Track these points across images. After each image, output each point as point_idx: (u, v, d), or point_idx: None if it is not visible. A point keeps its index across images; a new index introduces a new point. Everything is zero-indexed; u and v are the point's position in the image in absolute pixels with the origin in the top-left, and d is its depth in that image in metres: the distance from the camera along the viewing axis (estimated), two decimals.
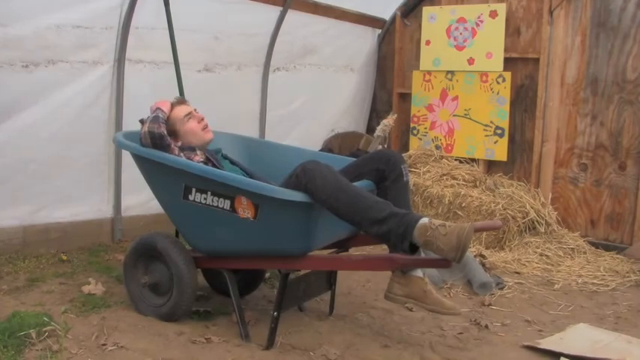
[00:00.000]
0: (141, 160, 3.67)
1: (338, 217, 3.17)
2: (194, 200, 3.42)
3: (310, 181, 3.10)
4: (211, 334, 3.48)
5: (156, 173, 3.64)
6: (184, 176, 3.41)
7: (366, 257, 3.40)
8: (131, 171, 4.94)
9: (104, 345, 3.25)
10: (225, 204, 3.32)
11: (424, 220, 3.05)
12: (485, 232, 5.50)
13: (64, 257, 4.58)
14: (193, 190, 3.41)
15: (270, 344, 3.35)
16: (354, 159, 3.81)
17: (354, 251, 3.75)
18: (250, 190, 3.19)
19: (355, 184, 3.26)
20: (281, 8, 5.83)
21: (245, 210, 3.26)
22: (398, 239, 3.07)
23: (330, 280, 3.87)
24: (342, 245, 3.71)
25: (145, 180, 3.75)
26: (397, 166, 3.47)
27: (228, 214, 3.31)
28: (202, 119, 3.83)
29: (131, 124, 4.82)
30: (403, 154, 6.39)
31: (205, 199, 3.38)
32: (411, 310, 4.05)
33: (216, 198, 3.35)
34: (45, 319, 3.36)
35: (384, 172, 3.47)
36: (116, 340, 3.30)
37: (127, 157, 4.91)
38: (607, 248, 5.54)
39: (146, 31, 4.87)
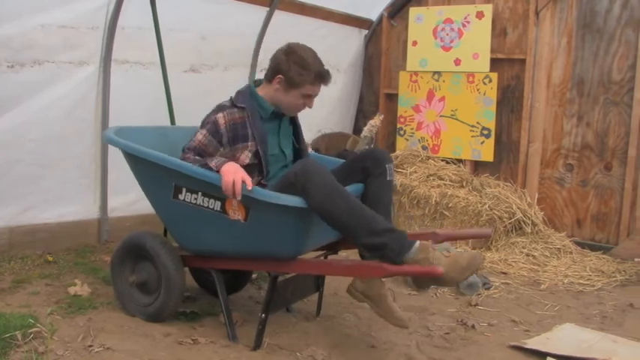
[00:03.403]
0: (131, 158, 3.63)
1: (329, 222, 3.11)
2: (184, 200, 3.39)
3: (309, 180, 3.05)
4: (198, 335, 3.47)
5: (146, 171, 3.59)
6: (175, 176, 3.38)
7: (357, 263, 3.33)
8: (118, 172, 4.94)
9: (90, 346, 3.23)
10: (216, 205, 3.29)
11: (424, 242, 3.07)
12: None
13: (50, 258, 4.56)
14: (183, 189, 3.38)
15: (257, 345, 3.34)
16: (343, 160, 3.81)
17: (343, 253, 3.75)
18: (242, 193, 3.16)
19: (347, 188, 3.23)
20: (267, 9, 5.83)
21: (236, 212, 3.24)
22: (394, 253, 3.03)
23: (318, 282, 3.86)
24: (331, 247, 3.70)
25: (135, 177, 3.71)
26: (381, 163, 3.44)
27: (219, 215, 3.29)
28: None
29: (118, 124, 4.80)
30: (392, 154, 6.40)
31: (195, 199, 3.35)
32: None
33: (206, 199, 3.32)
34: (30, 320, 3.33)
35: (368, 169, 3.45)
36: (102, 342, 3.28)
37: (113, 158, 4.90)
38: (593, 248, 5.57)
39: (132, 32, 4.85)
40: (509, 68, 6.13)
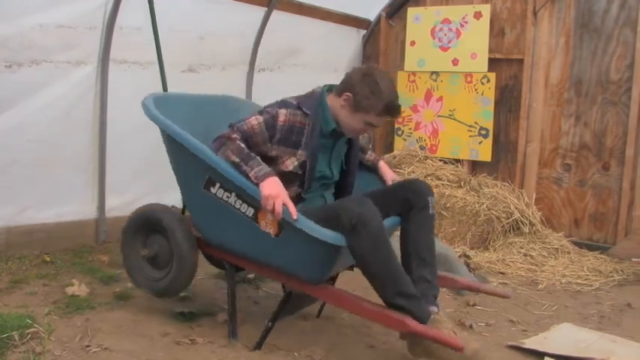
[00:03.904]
0: (168, 139, 3.46)
1: (362, 267, 3.08)
2: (215, 194, 3.27)
3: (363, 225, 2.96)
4: (196, 335, 3.47)
5: (181, 155, 3.41)
6: (211, 170, 3.25)
7: (381, 311, 3.11)
8: (115, 172, 4.93)
9: (88, 346, 3.23)
10: (249, 211, 3.19)
11: (438, 316, 3.07)
12: (470, 232, 5.53)
13: (48, 258, 4.55)
14: (217, 184, 3.26)
15: (257, 348, 3.34)
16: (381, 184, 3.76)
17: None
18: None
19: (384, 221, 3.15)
20: (266, 8, 5.82)
21: (268, 225, 3.15)
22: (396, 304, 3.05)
23: None
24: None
25: (167, 154, 3.56)
26: (424, 196, 3.33)
27: (249, 221, 3.20)
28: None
29: (115, 124, 4.82)
30: (387, 155, 6.41)
31: (228, 197, 3.24)
32: None
33: (240, 202, 3.21)
34: (28, 320, 3.33)
35: (410, 201, 3.33)
36: (100, 342, 3.28)
37: (111, 158, 4.90)
38: (590, 248, 5.57)
39: (130, 31, 4.85)
40: (507, 68, 6.13)
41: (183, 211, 3.84)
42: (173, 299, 3.95)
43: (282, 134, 3.29)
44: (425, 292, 3.15)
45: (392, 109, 3.29)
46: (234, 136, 3.22)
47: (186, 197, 3.56)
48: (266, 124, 3.28)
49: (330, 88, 3.46)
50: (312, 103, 3.37)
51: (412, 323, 2.97)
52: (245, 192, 3.15)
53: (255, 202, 3.13)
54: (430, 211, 3.35)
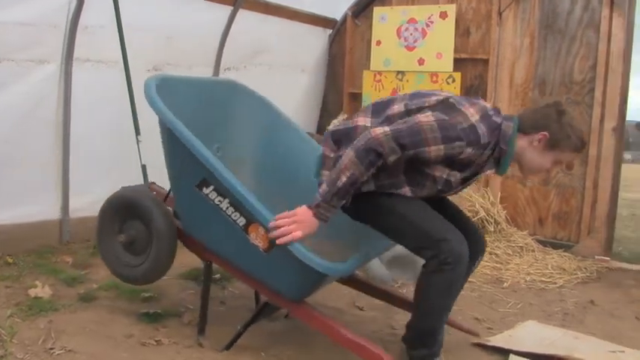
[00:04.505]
0: (167, 130, 3.24)
1: (419, 303, 3.09)
2: (207, 195, 3.12)
3: (454, 263, 2.84)
4: (161, 336, 3.44)
5: (180, 151, 3.19)
6: (209, 173, 3.09)
7: (359, 341, 3.02)
8: (79, 172, 4.87)
9: (52, 349, 3.19)
10: (240, 220, 3.06)
11: None
12: None
13: (10, 260, 4.48)
14: (211, 186, 3.11)
15: (226, 349, 3.33)
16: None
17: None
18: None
19: None
20: (232, 8, 5.80)
21: (258, 238, 3.03)
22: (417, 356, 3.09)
23: None
24: None
25: (162, 143, 3.36)
26: (477, 252, 3.21)
27: (238, 230, 3.08)
28: None
29: (79, 123, 4.76)
30: None
31: (220, 202, 3.10)
32: (361, 309, 4.06)
33: (232, 209, 3.07)
34: None
35: None
36: (64, 344, 3.24)
37: (75, 158, 4.85)
38: (554, 246, 5.63)
39: (95, 30, 4.80)
40: (472, 68, 6.17)
41: (167, 196, 3.71)
42: (138, 300, 3.93)
43: (454, 162, 2.97)
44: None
45: (584, 145, 3.11)
46: (391, 159, 2.84)
47: (175, 188, 3.41)
48: (445, 156, 2.89)
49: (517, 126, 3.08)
50: (502, 140, 3.02)
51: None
52: (241, 203, 3.02)
53: (248, 213, 3.01)
54: (474, 267, 3.28)
